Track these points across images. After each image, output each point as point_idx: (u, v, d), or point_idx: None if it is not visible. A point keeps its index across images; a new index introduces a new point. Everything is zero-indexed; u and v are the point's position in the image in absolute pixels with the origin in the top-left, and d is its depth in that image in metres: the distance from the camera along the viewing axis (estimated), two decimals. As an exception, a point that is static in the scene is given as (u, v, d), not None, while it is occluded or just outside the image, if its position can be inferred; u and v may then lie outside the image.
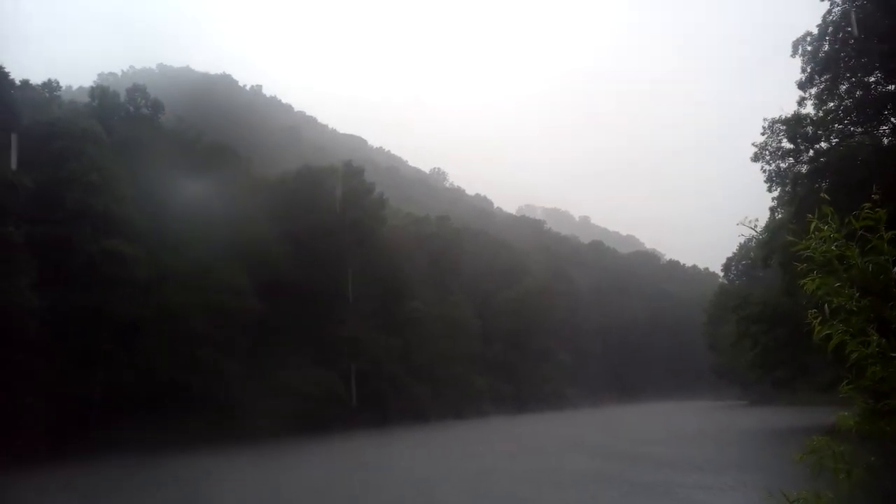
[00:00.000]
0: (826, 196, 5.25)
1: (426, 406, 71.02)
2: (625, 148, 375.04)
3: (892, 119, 42.81)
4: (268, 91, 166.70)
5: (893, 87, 42.42)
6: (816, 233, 5.07)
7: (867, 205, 4.95)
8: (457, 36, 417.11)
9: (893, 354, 4.86)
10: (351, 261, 67.22)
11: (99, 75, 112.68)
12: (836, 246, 4.98)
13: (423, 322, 77.12)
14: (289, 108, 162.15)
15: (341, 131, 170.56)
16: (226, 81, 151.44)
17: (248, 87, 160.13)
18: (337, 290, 65.12)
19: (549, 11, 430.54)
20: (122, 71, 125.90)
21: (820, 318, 5.09)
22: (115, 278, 43.92)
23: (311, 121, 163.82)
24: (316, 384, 57.15)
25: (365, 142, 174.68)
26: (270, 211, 61.83)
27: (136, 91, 60.79)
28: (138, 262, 45.58)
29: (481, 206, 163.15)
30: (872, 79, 42.94)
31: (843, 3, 42.77)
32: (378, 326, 69.93)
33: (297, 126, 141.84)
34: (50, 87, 55.99)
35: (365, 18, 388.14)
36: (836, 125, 42.05)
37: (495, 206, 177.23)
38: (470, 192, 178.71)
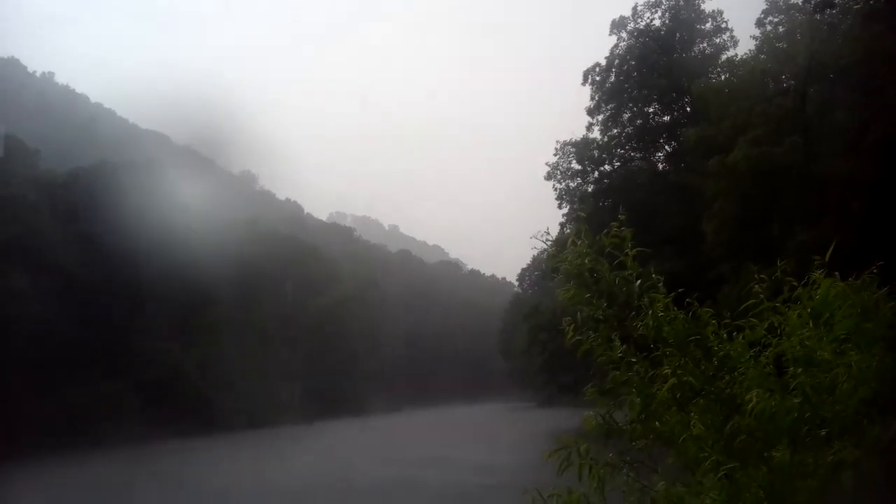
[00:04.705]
0: (583, 214, 5.77)
1: (226, 417, 68.19)
2: (431, 158, 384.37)
3: (667, 147, 47.59)
4: (61, 79, 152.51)
5: (668, 118, 47.15)
6: (573, 248, 5.52)
7: (615, 224, 5.45)
8: (272, 27, 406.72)
9: (634, 360, 5.40)
10: (149, 265, 63.13)
11: None
12: (588, 260, 5.45)
13: (227, 330, 74.12)
14: (85, 98, 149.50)
15: (144, 126, 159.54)
16: (13, 66, 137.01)
17: (38, 74, 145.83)
18: (133, 296, 60.89)
19: (360, 16, 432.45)
20: None
21: (574, 326, 5.54)
22: None
23: (110, 113, 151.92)
24: (105, 398, 53.01)
25: (169, 139, 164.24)
26: (59, 209, 56.76)
27: None
28: None
29: (292, 212, 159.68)
30: (651, 109, 47.44)
31: (629, 38, 46.93)
32: (178, 335, 66.27)
33: (94, 119, 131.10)
34: None
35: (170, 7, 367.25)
36: (619, 150, 45.89)
37: (306, 211, 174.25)
38: (280, 196, 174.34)
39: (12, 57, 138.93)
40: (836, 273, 4.98)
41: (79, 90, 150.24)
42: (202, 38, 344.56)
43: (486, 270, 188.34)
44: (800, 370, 4.75)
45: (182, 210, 71.01)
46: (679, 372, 4.93)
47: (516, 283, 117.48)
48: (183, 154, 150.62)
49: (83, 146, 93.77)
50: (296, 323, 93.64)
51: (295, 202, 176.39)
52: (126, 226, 61.05)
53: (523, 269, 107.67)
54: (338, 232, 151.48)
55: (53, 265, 52.50)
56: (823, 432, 4.61)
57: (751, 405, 4.49)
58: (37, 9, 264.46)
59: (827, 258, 5.07)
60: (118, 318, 59.13)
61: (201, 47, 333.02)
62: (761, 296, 5.18)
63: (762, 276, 5.42)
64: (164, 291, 64.53)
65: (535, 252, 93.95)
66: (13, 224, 49.77)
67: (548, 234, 6.30)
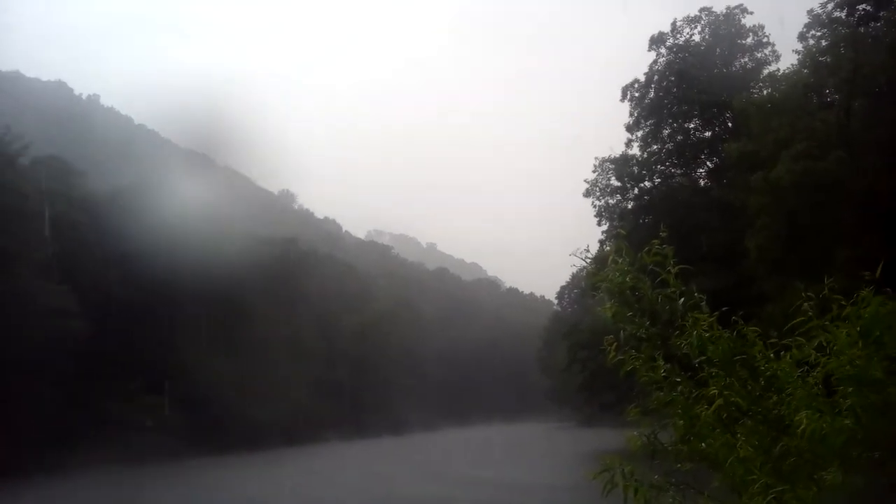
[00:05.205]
0: (623, 232, 5.75)
1: (264, 432, 68.72)
2: (469, 175, 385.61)
3: (708, 163, 47.03)
4: (105, 101, 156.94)
5: (710, 133, 46.62)
6: (614, 265, 5.47)
7: (656, 241, 5.40)
8: (311, 53, 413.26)
9: (678, 380, 5.32)
10: (189, 282, 64.24)
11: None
12: (629, 278, 5.40)
13: (266, 346, 74.97)
14: (128, 119, 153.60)
15: (186, 147, 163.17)
16: (60, 89, 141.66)
17: (84, 97, 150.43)
18: (176, 313, 62.07)
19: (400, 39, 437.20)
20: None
21: (616, 345, 5.47)
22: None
23: (153, 134, 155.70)
24: (145, 412, 53.98)
25: (210, 160, 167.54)
26: (102, 228, 58.28)
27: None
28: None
29: (329, 230, 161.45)
30: (692, 125, 46.98)
31: (668, 54, 46.61)
32: (217, 351, 67.13)
33: (136, 139, 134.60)
34: None
35: (197, 19, 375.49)
36: (659, 166, 45.38)
37: (344, 229, 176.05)
38: (319, 215, 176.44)
39: (59, 80, 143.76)
40: (888, 289, 4.86)
41: (123, 112, 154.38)
42: (241, 60, 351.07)
43: (525, 288, 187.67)
44: (850, 390, 4.64)
45: (222, 228, 72.19)
46: (726, 392, 4.85)
47: (555, 301, 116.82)
48: (223, 173, 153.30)
49: (127, 167, 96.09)
50: (333, 340, 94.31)
51: (333, 220, 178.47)
52: (166, 244, 62.36)
53: (562, 287, 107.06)
54: (375, 250, 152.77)
55: (96, 282, 53.86)
56: (876, 454, 4.49)
57: (801, 426, 4.39)
58: (81, 30, 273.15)
59: (878, 274, 4.95)
60: (158, 334, 60.23)
61: (240, 70, 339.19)
62: (810, 314, 5.07)
63: (809, 293, 5.30)
64: (204, 308, 65.67)
65: (575, 270, 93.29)
66: (59, 243, 51.30)
67: (587, 251, 6.26)
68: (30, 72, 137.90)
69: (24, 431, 42.81)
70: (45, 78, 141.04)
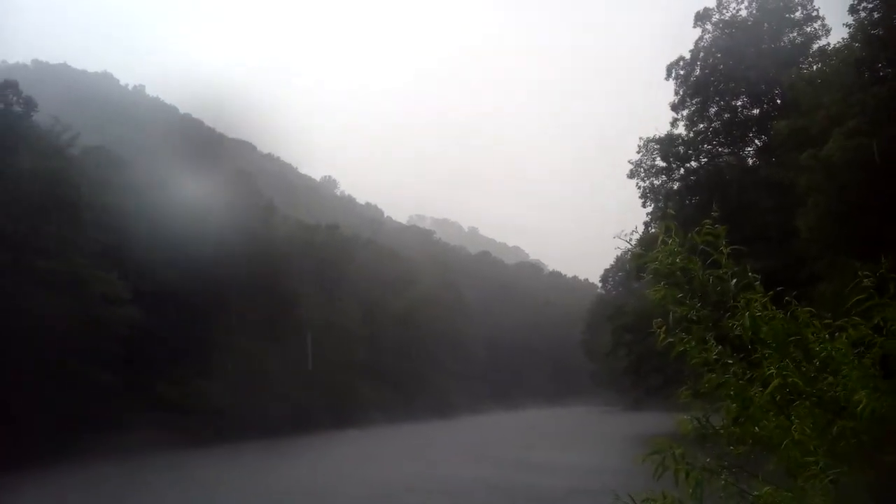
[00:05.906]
0: (672, 212, 5.71)
1: (313, 416, 69.88)
2: (511, 159, 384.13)
3: (757, 141, 45.96)
4: (151, 91, 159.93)
5: (758, 111, 45.55)
6: (663, 246, 5.40)
7: (708, 221, 5.31)
8: (352, 41, 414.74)
9: (730, 361, 5.25)
10: (235, 267, 65.44)
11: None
12: (679, 259, 5.33)
13: (311, 331, 76.03)
14: (173, 109, 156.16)
15: (230, 136, 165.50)
16: (106, 80, 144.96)
17: (130, 87, 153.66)
18: (223, 298, 63.28)
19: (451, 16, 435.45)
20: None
21: (665, 327, 5.42)
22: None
23: (198, 124, 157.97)
24: (197, 396, 55.31)
25: (254, 148, 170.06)
26: (150, 215, 59.54)
27: (7, 87, 56.75)
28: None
29: (371, 216, 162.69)
30: (739, 103, 45.97)
31: (714, 30, 45.62)
32: (265, 335, 68.36)
33: (182, 128, 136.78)
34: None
35: (253, 11, 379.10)
36: (706, 145, 44.50)
37: (385, 214, 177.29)
38: (361, 200, 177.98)
39: (106, 72, 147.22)
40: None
41: (168, 101, 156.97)
42: (283, 52, 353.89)
43: (568, 272, 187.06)
44: (910, 370, 4.54)
45: (266, 214, 73.32)
46: (784, 373, 4.77)
47: (599, 284, 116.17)
48: (267, 161, 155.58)
49: (173, 156, 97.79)
50: (377, 325, 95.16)
51: (375, 206, 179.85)
52: (213, 230, 63.54)
53: (606, 270, 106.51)
54: (417, 235, 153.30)
55: (146, 270, 55.00)
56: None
57: (860, 406, 4.31)
58: (128, 21, 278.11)
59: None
60: (208, 319, 61.40)
61: (282, 61, 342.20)
62: (871, 290, 4.94)
63: (866, 272, 5.17)
64: (250, 293, 66.76)
65: (619, 252, 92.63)
66: (109, 232, 52.59)
67: (636, 231, 6.22)
68: (77, 63, 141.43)
69: (79, 413, 44.19)
70: (91, 69, 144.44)
